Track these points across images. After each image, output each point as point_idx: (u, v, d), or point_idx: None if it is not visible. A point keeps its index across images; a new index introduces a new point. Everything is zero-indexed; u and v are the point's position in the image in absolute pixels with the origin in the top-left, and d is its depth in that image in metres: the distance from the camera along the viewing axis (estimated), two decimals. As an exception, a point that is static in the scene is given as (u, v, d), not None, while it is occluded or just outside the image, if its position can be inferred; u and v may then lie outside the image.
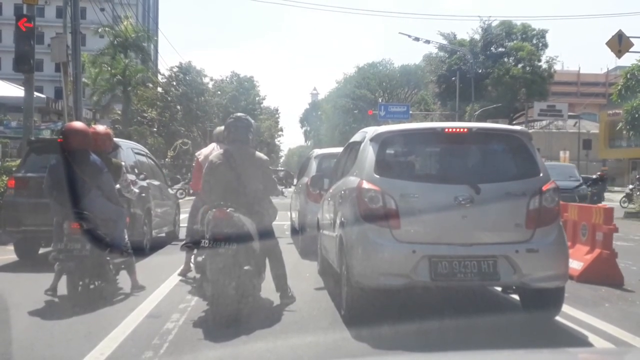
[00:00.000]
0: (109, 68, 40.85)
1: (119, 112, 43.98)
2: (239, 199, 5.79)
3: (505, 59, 50.90)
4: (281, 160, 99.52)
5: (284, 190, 7.00)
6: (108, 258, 6.45)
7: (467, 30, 77.97)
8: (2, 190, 11.22)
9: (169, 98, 48.55)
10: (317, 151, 12.31)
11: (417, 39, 38.29)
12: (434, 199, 5.21)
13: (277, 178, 7.11)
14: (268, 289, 6.13)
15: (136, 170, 9.75)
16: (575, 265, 7.70)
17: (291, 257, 8.71)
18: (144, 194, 8.60)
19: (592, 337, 5.13)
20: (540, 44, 51.62)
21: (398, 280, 5.12)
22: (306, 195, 10.11)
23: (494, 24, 51.48)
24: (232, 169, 5.92)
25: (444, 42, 50.53)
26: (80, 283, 6.21)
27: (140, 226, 9.39)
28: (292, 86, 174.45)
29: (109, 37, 40.14)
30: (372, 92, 67.30)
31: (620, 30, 22.28)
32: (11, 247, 9.64)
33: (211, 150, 7.57)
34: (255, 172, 6.00)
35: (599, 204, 11.54)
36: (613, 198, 27.72)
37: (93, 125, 7.94)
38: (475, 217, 5.17)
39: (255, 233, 5.70)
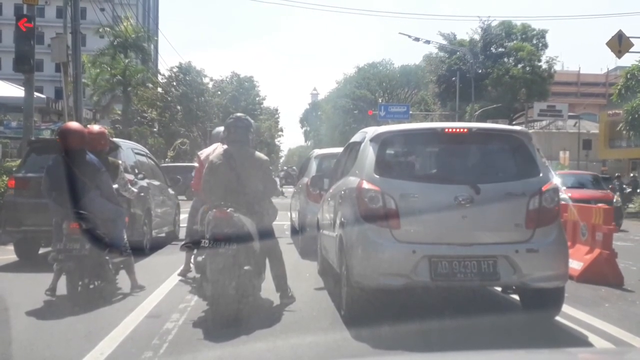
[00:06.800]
0: (109, 68, 40.86)
1: (119, 112, 43.97)
2: (239, 199, 5.78)
3: (505, 59, 50.82)
4: (281, 161, 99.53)
5: (283, 190, 6.99)
6: (107, 258, 6.45)
7: (467, 31, 78.07)
8: (2, 190, 11.21)
9: (169, 98, 48.62)
10: (317, 151, 12.32)
11: (417, 39, 38.32)
12: (434, 199, 5.21)
13: (278, 178, 7.11)
14: (268, 289, 6.13)
15: (136, 171, 9.74)
16: (575, 265, 7.70)
17: (291, 257, 8.70)
18: (143, 194, 8.59)
19: (592, 337, 5.13)
20: (540, 44, 51.54)
21: (398, 280, 5.12)
22: (306, 195, 10.11)
23: (494, 24, 51.44)
24: (232, 169, 5.92)
25: (444, 42, 50.47)
26: (80, 283, 6.21)
27: (140, 226, 9.39)
28: (292, 86, 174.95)
29: (109, 37, 40.15)
30: (372, 92, 67.30)
31: (620, 31, 22.29)
32: (11, 247, 9.63)
33: (213, 150, 7.50)
34: (256, 172, 6.00)
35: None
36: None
37: (88, 126, 7.93)
38: (475, 217, 5.17)
39: (255, 233, 5.69)
